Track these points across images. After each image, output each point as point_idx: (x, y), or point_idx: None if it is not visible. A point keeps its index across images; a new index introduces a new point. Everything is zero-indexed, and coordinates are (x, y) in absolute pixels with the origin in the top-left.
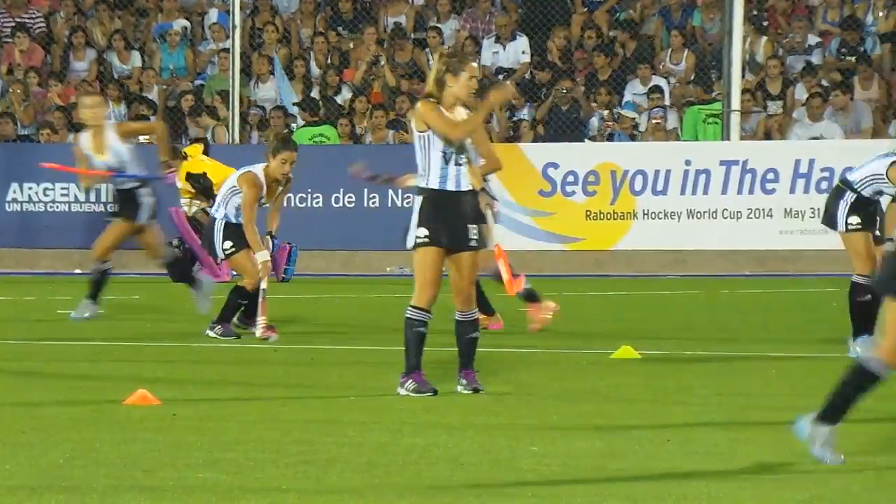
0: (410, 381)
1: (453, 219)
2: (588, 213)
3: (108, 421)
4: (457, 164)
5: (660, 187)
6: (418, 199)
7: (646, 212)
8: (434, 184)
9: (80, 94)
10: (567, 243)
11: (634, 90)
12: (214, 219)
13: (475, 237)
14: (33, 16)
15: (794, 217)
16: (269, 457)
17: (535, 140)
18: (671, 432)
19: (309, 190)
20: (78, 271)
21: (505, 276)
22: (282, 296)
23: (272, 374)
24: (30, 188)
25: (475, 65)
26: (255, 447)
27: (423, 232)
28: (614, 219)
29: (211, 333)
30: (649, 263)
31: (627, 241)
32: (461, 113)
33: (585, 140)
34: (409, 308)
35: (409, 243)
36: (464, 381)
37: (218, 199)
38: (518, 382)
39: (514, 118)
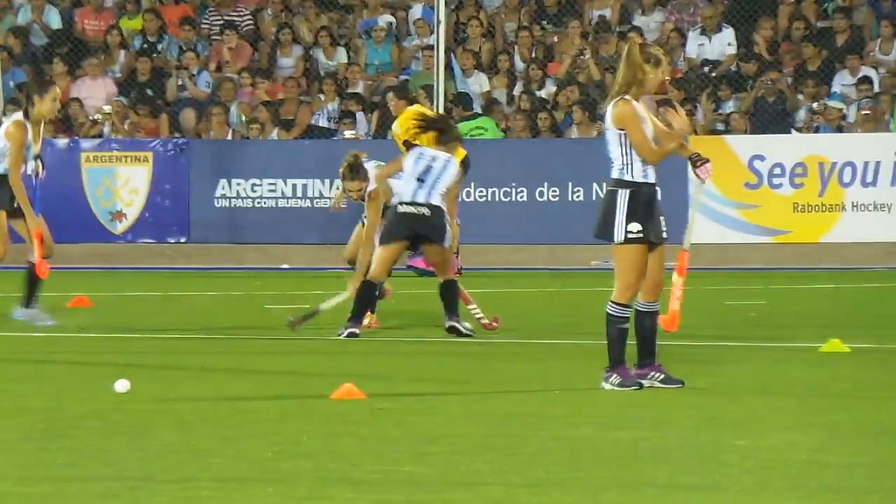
0: (615, 375)
1: (654, 212)
2: (795, 205)
3: (315, 415)
4: None
5: (869, 179)
6: (623, 192)
7: (855, 203)
8: (638, 177)
9: (48, 84)
10: (774, 236)
11: (843, 81)
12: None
13: (666, 228)
14: (241, 13)
15: None
16: (474, 450)
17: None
18: (881, 426)
19: (513, 184)
20: (285, 266)
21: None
22: (486, 290)
23: (476, 368)
24: (238, 184)
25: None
26: (460, 441)
27: (637, 227)
28: (822, 211)
29: (461, 327)
30: (858, 256)
31: (836, 233)
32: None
33: (792, 132)
34: (612, 304)
35: (619, 237)
36: (660, 376)
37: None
38: (724, 376)
39: (719, 110)
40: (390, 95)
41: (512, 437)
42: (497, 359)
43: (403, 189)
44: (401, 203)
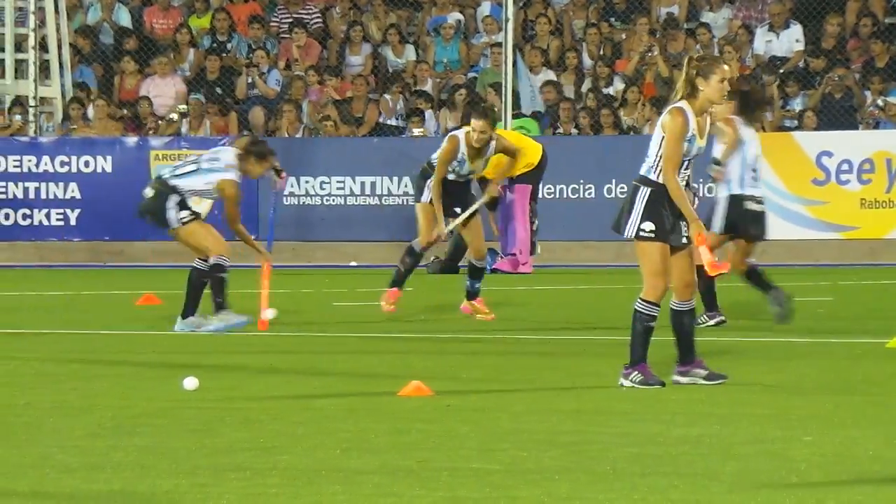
0: (637, 372)
1: (673, 215)
2: (863, 201)
3: (383, 412)
4: (687, 168)
5: None
6: (644, 190)
7: None
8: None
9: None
10: (841, 232)
11: None
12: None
13: (686, 233)
14: (310, 11)
15: None
16: (541, 447)
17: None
18: None
19: (581, 180)
20: (353, 264)
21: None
22: (555, 287)
23: (542, 365)
24: (307, 182)
25: (726, 67)
26: (527, 438)
27: (650, 226)
28: (890, 207)
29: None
30: None
31: None
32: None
33: (859, 128)
34: (640, 301)
35: (630, 233)
36: (703, 372)
37: None
38: (792, 372)
39: (788, 107)
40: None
41: (579, 433)
42: (563, 356)
43: (738, 177)
44: (746, 198)
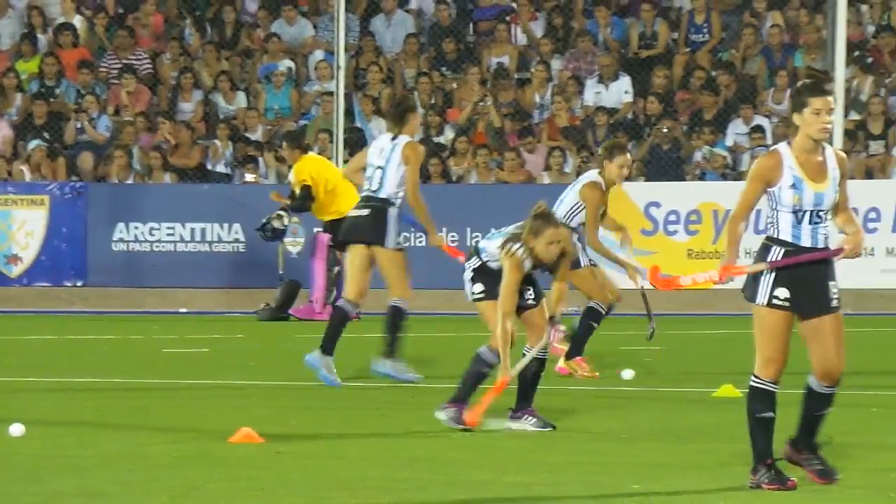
0: (454, 409)
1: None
2: (690, 251)
3: (213, 459)
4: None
5: (762, 226)
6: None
7: (748, 250)
8: None
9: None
10: None
11: (737, 130)
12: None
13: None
14: (140, 57)
15: None
16: (375, 495)
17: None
18: None
19: (411, 229)
20: (183, 310)
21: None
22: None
23: (377, 414)
24: (136, 228)
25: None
26: (361, 485)
27: (479, 288)
28: (717, 258)
29: None
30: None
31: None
32: None
33: (686, 179)
34: (485, 347)
35: (467, 296)
36: (533, 419)
37: None
38: (621, 421)
39: None
40: (284, 144)
41: (412, 480)
42: (398, 405)
43: None
44: None
